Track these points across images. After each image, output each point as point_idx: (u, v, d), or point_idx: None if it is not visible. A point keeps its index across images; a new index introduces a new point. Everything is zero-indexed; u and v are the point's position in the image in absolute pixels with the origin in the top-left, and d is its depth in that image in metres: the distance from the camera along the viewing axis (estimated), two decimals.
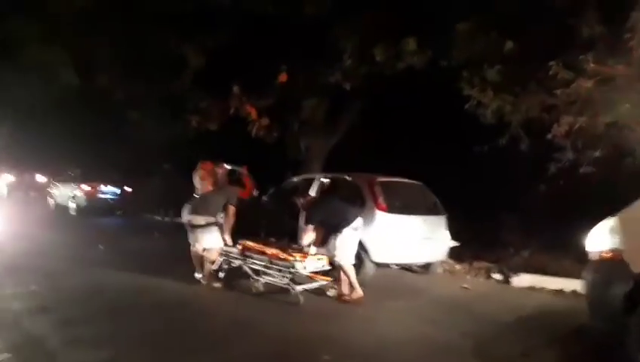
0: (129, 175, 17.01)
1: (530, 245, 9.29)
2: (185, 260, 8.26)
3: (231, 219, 6.89)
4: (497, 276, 8.39)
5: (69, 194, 16.99)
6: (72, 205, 16.73)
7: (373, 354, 4.39)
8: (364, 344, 4.66)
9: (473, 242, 9.00)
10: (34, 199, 21.56)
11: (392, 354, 4.40)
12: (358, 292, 6.03)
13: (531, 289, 7.65)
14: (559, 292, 7.45)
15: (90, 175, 16.60)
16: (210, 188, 7.19)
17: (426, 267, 7.91)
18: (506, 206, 10.27)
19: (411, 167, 8.22)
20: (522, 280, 7.96)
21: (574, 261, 8.50)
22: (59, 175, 18.86)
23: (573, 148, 7.29)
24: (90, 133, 14.53)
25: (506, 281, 8.07)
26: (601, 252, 4.20)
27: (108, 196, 16.85)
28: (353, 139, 11.82)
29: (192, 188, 8.43)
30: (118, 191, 16.99)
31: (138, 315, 5.26)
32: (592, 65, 6.36)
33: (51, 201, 18.75)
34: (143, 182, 17.18)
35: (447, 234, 7.69)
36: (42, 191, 21.09)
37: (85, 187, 16.40)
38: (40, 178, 23.65)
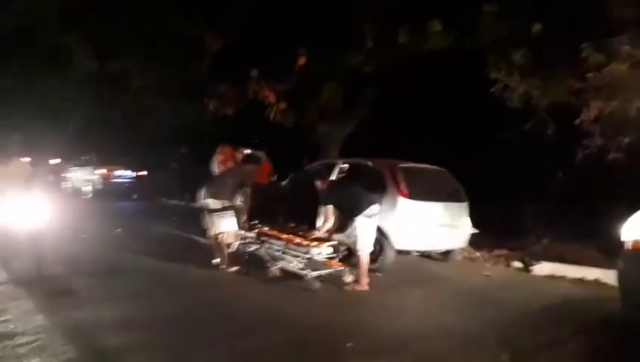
0: (144, 159, 17.04)
1: (550, 233, 9.14)
2: (203, 245, 8.29)
3: (247, 200, 6.78)
4: (517, 264, 8.26)
5: (84, 178, 17.10)
6: (88, 189, 16.85)
7: (398, 342, 4.29)
8: (388, 332, 4.57)
9: (493, 229, 8.83)
10: (51, 183, 21.74)
11: (417, 343, 4.29)
12: (364, 284, 5.88)
13: (552, 277, 7.50)
14: (580, 281, 7.28)
15: (106, 159, 16.68)
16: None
17: (446, 254, 7.77)
18: (528, 193, 10.11)
19: (432, 154, 8.07)
20: (543, 268, 7.81)
21: (595, 250, 8.41)
22: (74, 159, 18.96)
23: (601, 134, 7.08)
24: (105, 118, 14.49)
25: (527, 269, 7.93)
26: (637, 240, 4.05)
27: (123, 180, 16.94)
28: (370, 126, 11.63)
29: (209, 172, 8.43)
30: (134, 175, 17.06)
31: (158, 300, 5.22)
32: (625, 47, 6.12)
33: (67, 185, 18.88)
34: (159, 166, 17.22)
35: (468, 221, 7.53)
36: (58, 175, 21.26)
37: (101, 171, 16.50)
38: (56, 162, 23.85)
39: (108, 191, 16.36)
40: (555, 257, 8.14)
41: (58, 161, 16.73)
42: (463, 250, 8.05)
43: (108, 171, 16.50)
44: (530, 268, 7.83)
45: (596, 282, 7.20)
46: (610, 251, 8.07)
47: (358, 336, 4.35)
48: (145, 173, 17.11)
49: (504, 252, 8.90)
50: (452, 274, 7.27)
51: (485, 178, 9.56)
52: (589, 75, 6.47)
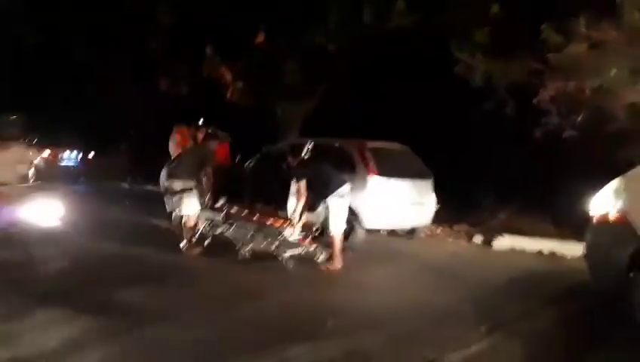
0: (92, 141, 16.22)
1: (505, 208, 9.50)
2: (163, 229, 8.01)
3: (210, 179, 6.58)
4: (478, 239, 8.54)
5: None
6: (30, 172, 15.85)
7: (376, 319, 4.31)
8: (365, 310, 4.59)
9: (451, 206, 9.06)
10: None
11: (394, 320, 4.33)
12: (337, 264, 5.88)
13: (512, 251, 7.84)
14: (539, 254, 7.66)
15: (50, 141, 15.71)
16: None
17: (411, 232, 7.92)
18: (483, 170, 10.44)
19: (394, 131, 8.13)
20: (503, 242, 8.13)
21: (549, 223, 8.85)
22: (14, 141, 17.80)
23: (557, 113, 7.36)
24: (49, 97, 13.65)
25: (488, 244, 8.22)
26: (606, 214, 4.24)
27: (69, 163, 16.08)
28: (332, 104, 11.56)
29: (163, 154, 8.06)
30: (80, 157, 16.22)
31: (124, 287, 4.90)
32: (583, 29, 6.34)
33: None
34: (108, 148, 16.44)
35: (434, 198, 7.69)
36: None
37: (45, 153, 15.54)
38: None
39: (52, 175, 15.43)
40: (512, 231, 8.49)
41: None
42: (426, 226, 8.21)
43: (52, 155, 15.56)
44: (491, 242, 8.13)
45: (553, 254, 7.59)
46: (561, 224, 8.58)
47: (337, 314, 4.34)
48: (92, 155, 16.28)
49: (464, 227, 9.18)
50: (419, 250, 7.42)
51: (446, 155, 9.77)
52: (549, 55, 6.67)
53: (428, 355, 3.57)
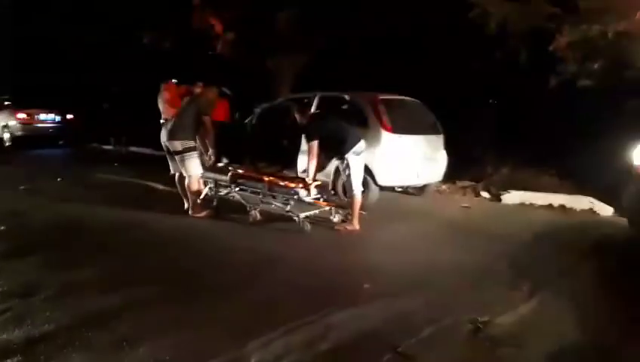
0: (71, 101, 15.33)
1: (507, 163, 9.33)
2: (161, 191, 7.62)
3: (210, 133, 6.08)
4: (485, 194, 8.37)
5: (1, 123, 15.20)
6: (6, 135, 15.04)
7: (414, 280, 4.09)
8: (400, 271, 4.36)
9: (450, 161, 8.82)
10: None
11: (432, 280, 4.12)
12: (355, 224, 5.59)
13: (523, 205, 7.68)
14: (550, 208, 7.51)
15: (26, 101, 14.82)
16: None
17: (421, 188, 7.66)
18: (485, 123, 10.21)
19: (391, 84, 7.69)
20: (512, 196, 7.97)
21: (552, 176, 8.71)
22: None
23: (574, 60, 7.06)
24: (23, 53, 12.66)
25: (497, 199, 8.05)
26: None
27: (47, 124, 15.24)
28: (328, 58, 11.02)
29: (149, 113, 7.52)
30: (59, 118, 15.38)
31: (136, 254, 4.61)
32: None
33: None
34: (88, 108, 15.60)
35: (445, 154, 7.40)
36: None
37: (20, 115, 14.70)
38: None
39: (29, 138, 14.66)
40: (518, 186, 8.34)
41: None
42: (437, 183, 7.97)
43: (29, 115, 14.68)
44: (500, 197, 7.96)
45: (563, 208, 7.46)
46: (564, 177, 8.47)
47: (372, 277, 4.11)
48: (72, 116, 15.43)
49: (468, 183, 8.99)
50: (432, 207, 7.20)
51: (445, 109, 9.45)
52: None
53: (477, 318, 3.35)
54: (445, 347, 3.03)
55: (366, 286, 3.93)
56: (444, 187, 8.65)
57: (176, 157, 6.13)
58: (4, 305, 3.34)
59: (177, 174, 6.34)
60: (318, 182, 5.68)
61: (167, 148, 6.30)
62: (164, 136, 6.42)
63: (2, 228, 5.22)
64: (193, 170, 6.05)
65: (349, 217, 5.64)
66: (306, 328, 3.12)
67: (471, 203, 7.72)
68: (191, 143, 6.07)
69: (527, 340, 3.13)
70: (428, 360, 2.86)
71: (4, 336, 2.94)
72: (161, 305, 3.42)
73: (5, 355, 2.72)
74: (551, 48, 7.00)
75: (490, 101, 11.32)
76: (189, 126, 6.07)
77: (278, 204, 5.70)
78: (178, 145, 6.05)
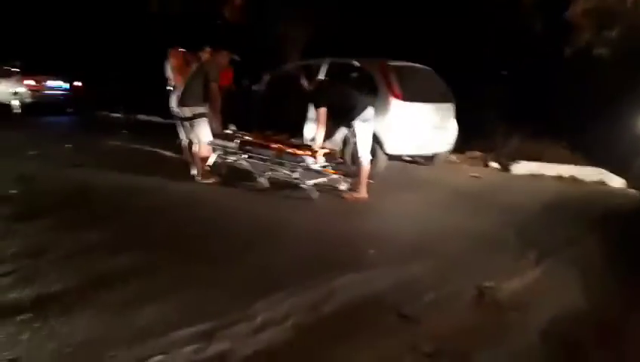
0: (80, 68, 15.25)
1: (516, 133, 9.20)
2: (167, 158, 7.64)
3: (217, 99, 6.00)
4: (495, 164, 8.31)
5: (10, 90, 15.19)
6: (16, 103, 15.04)
7: (419, 247, 4.10)
8: (406, 238, 4.37)
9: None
10: None
11: (438, 247, 4.13)
12: (363, 193, 5.58)
13: (532, 176, 7.63)
14: (559, 179, 7.46)
15: (35, 68, 14.76)
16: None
17: (431, 158, 7.60)
18: (495, 94, 10.01)
19: (400, 51, 7.52)
20: (521, 167, 7.92)
21: (562, 148, 8.60)
22: None
23: (589, 29, 6.87)
24: (31, 19, 12.52)
25: (506, 169, 8.00)
26: None
27: (56, 92, 15.21)
28: (338, 25, 10.80)
29: (157, 80, 7.44)
30: (68, 86, 15.34)
31: (142, 218, 4.65)
32: None
33: None
34: (97, 75, 15.52)
35: (455, 123, 7.31)
36: None
37: (29, 82, 14.66)
38: None
39: (39, 105, 14.66)
40: (527, 156, 8.25)
41: None
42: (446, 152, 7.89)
43: (37, 82, 14.65)
44: (510, 168, 7.89)
45: (573, 179, 7.39)
46: (574, 149, 8.36)
47: (377, 244, 4.13)
48: (80, 83, 15.38)
49: (477, 154, 8.92)
50: (442, 177, 7.15)
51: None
52: None
53: (482, 283, 3.36)
54: (449, 311, 3.05)
55: (371, 251, 3.95)
56: (453, 157, 8.59)
57: (187, 124, 6.13)
58: (14, 265, 3.39)
59: (186, 140, 6.34)
60: (326, 150, 5.64)
61: (178, 115, 6.29)
62: (173, 102, 6.42)
63: (12, 191, 5.26)
64: (203, 136, 6.04)
65: (357, 185, 5.62)
66: (310, 291, 3.14)
67: (480, 173, 7.68)
68: (201, 109, 6.04)
69: (531, 306, 3.15)
70: (431, 323, 2.87)
71: (14, 295, 2.99)
72: (168, 268, 3.45)
73: (17, 312, 2.78)
74: (566, 15, 6.79)
75: (503, 72, 11.12)
76: (198, 92, 6.02)
77: (286, 172, 5.70)
78: (188, 111, 6.05)
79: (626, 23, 6.68)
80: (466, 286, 3.37)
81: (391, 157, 6.76)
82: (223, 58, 6.31)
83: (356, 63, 6.75)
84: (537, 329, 2.85)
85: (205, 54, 7.32)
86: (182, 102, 6.10)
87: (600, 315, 3.09)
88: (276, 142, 6.07)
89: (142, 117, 13.96)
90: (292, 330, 2.71)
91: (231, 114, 7.36)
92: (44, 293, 3.01)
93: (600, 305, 3.23)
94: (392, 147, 6.43)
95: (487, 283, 3.38)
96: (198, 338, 2.57)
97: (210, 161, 6.19)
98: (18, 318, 2.71)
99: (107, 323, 2.72)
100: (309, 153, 5.49)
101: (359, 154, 5.47)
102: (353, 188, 5.72)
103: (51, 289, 3.06)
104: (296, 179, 5.56)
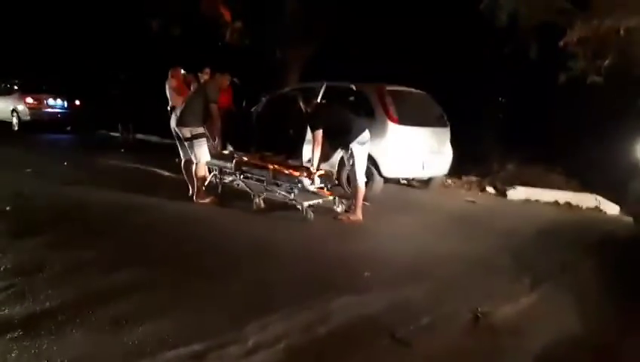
0: (78, 87, 15.36)
1: (513, 159, 9.29)
2: (166, 177, 7.64)
3: (216, 120, 6.03)
4: (491, 189, 8.34)
5: (9, 108, 15.27)
6: (15, 120, 15.11)
7: (415, 270, 4.09)
8: (402, 261, 4.35)
9: (455, 156, 8.78)
10: None
11: (434, 270, 4.11)
12: (358, 214, 5.58)
13: (528, 201, 7.65)
14: (555, 204, 7.49)
15: (34, 86, 14.87)
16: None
17: (427, 182, 7.63)
18: (491, 119, 10.15)
19: (397, 76, 7.62)
20: (517, 192, 7.93)
21: (557, 174, 8.68)
22: None
23: (584, 57, 6.99)
24: (33, 39, 12.66)
25: (502, 194, 8.02)
26: None
27: (55, 110, 15.28)
28: (335, 48, 10.96)
29: (156, 100, 7.51)
30: (66, 104, 15.41)
31: (139, 236, 4.62)
32: None
33: None
34: (96, 94, 15.62)
35: (450, 147, 7.37)
36: None
37: (29, 100, 14.75)
38: None
39: (37, 123, 14.71)
40: (523, 182, 8.30)
41: None
42: (442, 176, 7.92)
43: (37, 101, 14.72)
44: (506, 193, 7.92)
45: (569, 205, 7.42)
46: (570, 174, 8.43)
47: (372, 266, 4.11)
48: (78, 102, 15.46)
49: (473, 178, 8.97)
50: (437, 201, 7.17)
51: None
52: None
53: (477, 307, 3.35)
54: (444, 334, 3.03)
55: (366, 274, 3.93)
56: (449, 181, 8.63)
57: (186, 144, 6.16)
58: (8, 282, 3.36)
59: (184, 160, 6.36)
60: (322, 172, 5.67)
61: (177, 135, 6.31)
62: (173, 122, 6.44)
63: (8, 208, 5.24)
64: (202, 157, 6.06)
65: (352, 207, 5.63)
66: (304, 312, 3.13)
67: (476, 197, 7.70)
68: (200, 130, 6.07)
69: (527, 331, 3.14)
70: (426, 346, 2.86)
71: (6, 312, 2.96)
72: (163, 286, 3.44)
73: (7, 330, 2.75)
74: (561, 43, 6.91)
75: (500, 99, 11.29)
76: (198, 113, 6.06)
77: (282, 192, 5.71)
78: (187, 131, 6.06)
79: (619, 52, 6.79)
80: (460, 310, 3.36)
81: (387, 180, 6.79)
82: (223, 79, 6.37)
83: (353, 87, 6.83)
84: (532, 354, 2.84)
85: (205, 75, 7.43)
86: (181, 122, 6.13)
87: (595, 340, 3.08)
88: (273, 163, 6.11)
89: (141, 136, 14.01)
90: (283, 353, 2.68)
91: (230, 135, 7.43)
92: (37, 311, 2.99)
93: (595, 330, 3.22)
94: (388, 170, 6.47)
95: (482, 308, 3.37)
96: (190, 359, 2.54)
97: (207, 181, 6.20)
98: (7, 336, 2.68)
99: (99, 342, 2.69)
100: (305, 174, 5.52)
101: (355, 177, 5.49)
102: (349, 210, 5.73)
103: (44, 307, 3.04)
104: (292, 200, 5.57)
